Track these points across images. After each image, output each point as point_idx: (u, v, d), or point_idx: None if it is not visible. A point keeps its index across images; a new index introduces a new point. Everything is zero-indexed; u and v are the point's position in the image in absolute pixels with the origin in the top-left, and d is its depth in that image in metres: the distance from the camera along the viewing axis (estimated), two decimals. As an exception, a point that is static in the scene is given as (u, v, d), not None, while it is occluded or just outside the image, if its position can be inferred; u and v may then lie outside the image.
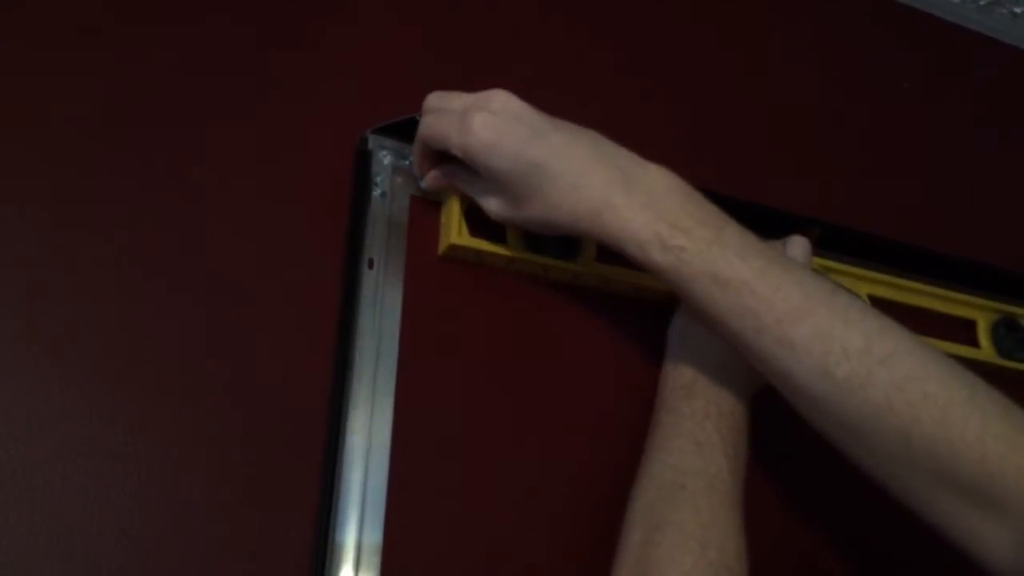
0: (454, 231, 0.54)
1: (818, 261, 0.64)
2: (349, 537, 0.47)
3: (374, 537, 0.48)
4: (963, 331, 0.69)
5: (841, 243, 0.66)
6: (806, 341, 0.46)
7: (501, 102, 0.50)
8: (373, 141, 0.56)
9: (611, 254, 0.54)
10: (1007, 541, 0.43)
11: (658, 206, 0.48)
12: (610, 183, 0.49)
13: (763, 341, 0.47)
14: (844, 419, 0.46)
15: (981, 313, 0.70)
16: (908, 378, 0.45)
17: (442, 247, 0.55)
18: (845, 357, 0.45)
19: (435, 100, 0.53)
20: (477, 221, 0.55)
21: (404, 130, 0.56)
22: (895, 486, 0.47)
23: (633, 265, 0.50)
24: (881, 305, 0.66)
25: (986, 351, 0.69)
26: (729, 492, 0.49)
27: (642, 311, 0.59)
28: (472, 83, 0.59)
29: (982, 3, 0.87)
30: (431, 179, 0.55)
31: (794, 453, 0.58)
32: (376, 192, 0.55)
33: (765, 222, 0.63)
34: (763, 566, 0.48)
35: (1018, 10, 0.88)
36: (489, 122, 0.49)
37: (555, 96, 0.64)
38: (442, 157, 0.53)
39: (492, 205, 0.52)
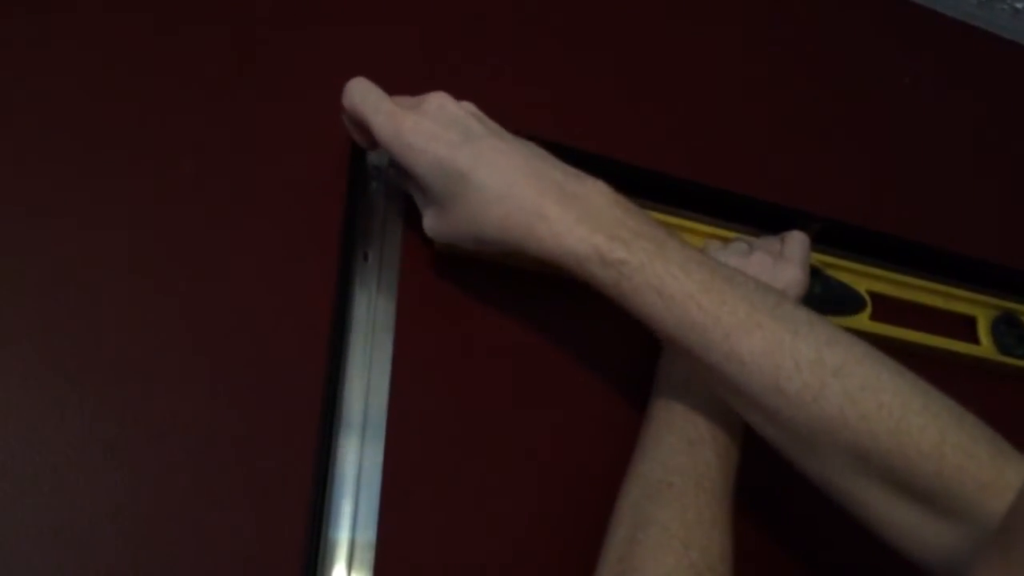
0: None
1: (818, 257, 0.64)
2: (342, 534, 0.47)
3: (368, 534, 0.47)
4: (963, 328, 0.69)
5: (841, 239, 0.66)
6: (755, 355, 0.44)
7: (435, 105, 0.48)
8: (369, 134, 0.55)
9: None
10: (960, 548, 0.43)
11: (595, 219, 0.45)
12: (542, 194, 0.45)
13: (712, 356, 0.45)
14: (797, 433, 0.45)
15: (981, 310, 0.70)
16: (862, 388, 0.44)
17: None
18: (796, 370, 0.44)
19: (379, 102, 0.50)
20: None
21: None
22: (845, 496, 0.46)
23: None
24: (881, 301, 0.66)
25: (986, 348, 0.68)
26: (717, 491, 0.48)
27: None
28: (466, 77, 0.59)
29: (983, -2, 0.86)
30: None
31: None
32: (371, 185, 0.55)
33: (765, 217, 0.63)
34: (752, 566, 0.48)
35: (1019, 6, 0.88)
36: (420, 126, 0.47)
37: (551, 94, 0.64)
38: None
39: (425, 221, 0.50)
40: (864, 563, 0.59)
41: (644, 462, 0.50)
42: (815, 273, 0.63)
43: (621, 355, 0.58)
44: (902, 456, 0.43)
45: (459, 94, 0.51)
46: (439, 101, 0.48)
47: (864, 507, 0.46)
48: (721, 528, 0.47)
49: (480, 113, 0.49)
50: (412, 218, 0.55)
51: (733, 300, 0.45)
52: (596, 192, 0.46)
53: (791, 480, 0.59)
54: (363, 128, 0.49)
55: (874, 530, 0.46)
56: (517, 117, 0.52)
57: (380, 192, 0.55)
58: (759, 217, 0.63)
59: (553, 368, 0.56)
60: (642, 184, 0.61)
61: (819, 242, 0.63)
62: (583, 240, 0.45)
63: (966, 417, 0.45)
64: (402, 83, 0.56)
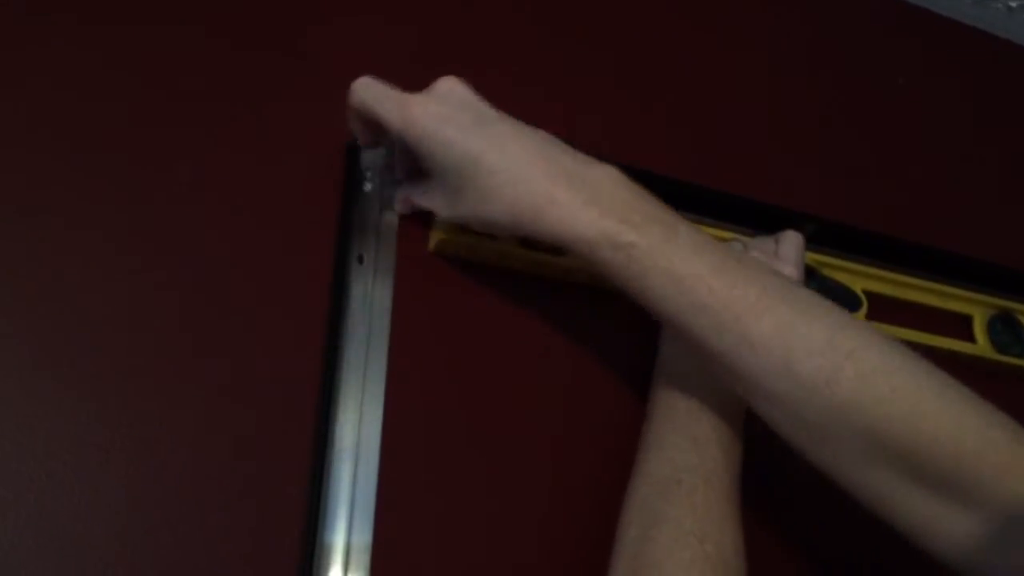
0: (444, 226, 0.54)
1: (813, 257, 0.64)
2: (338, 537, 0.47)
3: (363, 537, 0.47)
4: (959, 326, 0.69)
5: (836, 238, 0.66)
6: (766, 338, 0.44)
7: (446, 88, 0.48)
8: (363, 136, 0.55)
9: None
10: (976, 534, 0.42)
11: (604, 202, 0.45)
12: (552, 178, 0.46)
13: (722, 340, 0.45)
14: (808, 419, 0.44)
15: (977, 308, 0.70)
16: (875, 371, 0.43)
17: (432, 242, 0.55)
18: (808, 353, 0.43)
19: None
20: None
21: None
22: (858, 486, 0.45)
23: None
24: (877, 301, 0.66)
25: (982, 347, 0.68)
26: (726, 487, 0.48)
27: (635, 307, 0.59)
28: (464, 76, 0.58)
29: (978, -3, 0.87)
30: (402, 202, 0.54)
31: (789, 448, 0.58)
32: (366, 187, 0.55)
33: (760, 218, 0.63)
34: (761, 561, 0.47)
35: (1013, 4, 0.88)
36: (430, 108, 0.47)
37: (550, 95, 0.64)
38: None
39: (435, 202, 0.50)
40: (868, 554, 0.59)
41: (650, 461, 0.50)
42: (811, 273, 0.63)
43: (618, 356, 0.58)
44: (917, 441, 0.42)
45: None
46: (449, 85, 0.48)
47: (878, 497, 0.45)
48: (733, 523, 0.47)
49: (485, 101, 0.49)
50: (407, 220, 0.55)
51: (744, 283, 0.45)
52: (606, 177, 0.47)
53: (791, 476, 0.59)
54: (369, 123, 0.50)
55: (888, 520, 0.45)
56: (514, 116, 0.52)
57: (375, 194, 0.55)
58: (754, 217, 0.63)
59: (550, 369, 0.56)
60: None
61: (814, 242, 0.63)
62: (593, 223, 0.45)
63: (981, 402, 0.44)
64: (400, 84, 0.56)
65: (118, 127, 0.51)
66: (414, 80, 0.56)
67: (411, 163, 0.52)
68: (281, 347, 0.50)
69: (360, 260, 0.53)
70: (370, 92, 0.49)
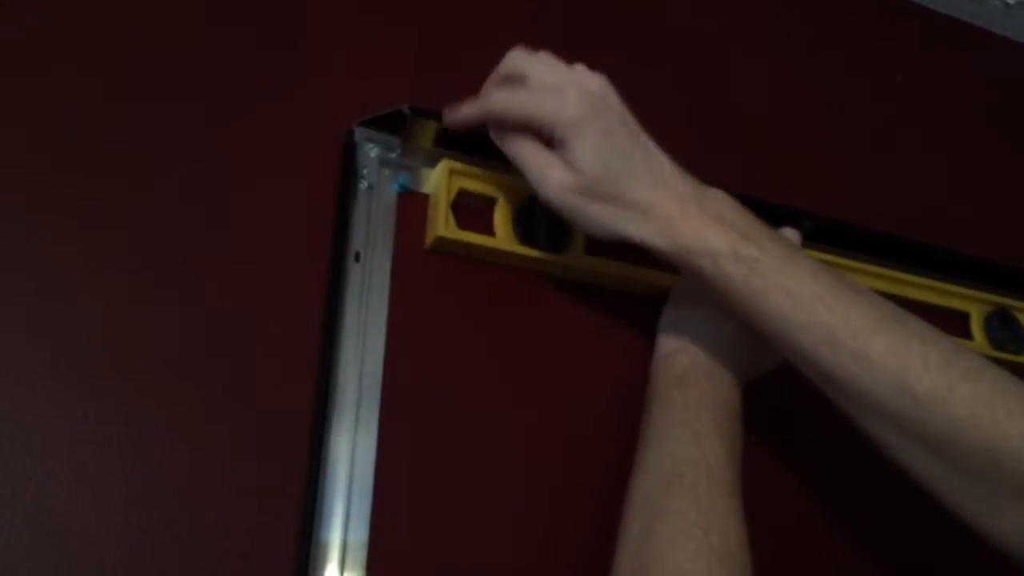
0: (441, 223, 0.54)
1: (810, 254, 0.63)
2: (334, 535, 0.47)
3: (360, 535, 0.47)
4: (957, 323, 0.69)
5: (834, 236, 0.66)
6: (883, 356, 0.45)
7: (601, 84, 0.49)
8: (360, 134, 0.55)
9: (601, 247, 0.54)
10: None
11: (728, 220, 0.48)
12: (683, 194, 0.49)
13: (838, 356, 0.46)
14: (924, 436, 0.46)
15: (974, 305, 0.70)
16: (990, 391, 0.45)
17: (429, 240, 0.55)
18: (925, 371, 0.45)
19: (520, 63, 0.51)
20: (465, 214, 0.55)
21: (391, 123, 0.55)
22: (969, 499, 0.46)
23: (660, 264, 0.50)
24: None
25: (979, 343, 0.68)
26: (728, 480, 0.49)
27: (632, 304, 0.59)
28: (460, 81, 0.58)
29: (975, -6, 0.87)
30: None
31: (791, 441, 0.58)
32: (363, 185, 0.55)
33: (757, 215, 0.63)
34: (764, 554, 0.48)
35: (1011, 1, 0.88)
36: (587, 101, 0.48)
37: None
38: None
39: (555, 175, 0.49)
40: (869, 549, 0.60)
41: (651, 456, 0.50)
42: (808, 270, 0.63)
43: (615, 351, 0.58)
44: None
45: (458, 96, 0.52)
46: (601, 81, 0.50)
47: (986, 510, 0.46)
48: (736, 515, 0.48)
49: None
50: (404, 218, 0.55)
51: (860, 304, 0.47)
52: (724, 200, 0.49)
53: (792, 472, 0.59)
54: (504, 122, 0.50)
55: (983, 532, 0.46)
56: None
57: (373, 192, 0.55)
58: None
59: (547, 366, 0.56)
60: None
61: (811, 239, 0.63)
62: (720, 236, 0.47)
63: None
64: (398, 83, 0.56)
65: (117, 127, 0.51)
66: (416, 80, 0.56)
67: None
68: (278, 346, 0.50)
69: (357, 258, 0.53)
70: (515, 68, 0.50)
